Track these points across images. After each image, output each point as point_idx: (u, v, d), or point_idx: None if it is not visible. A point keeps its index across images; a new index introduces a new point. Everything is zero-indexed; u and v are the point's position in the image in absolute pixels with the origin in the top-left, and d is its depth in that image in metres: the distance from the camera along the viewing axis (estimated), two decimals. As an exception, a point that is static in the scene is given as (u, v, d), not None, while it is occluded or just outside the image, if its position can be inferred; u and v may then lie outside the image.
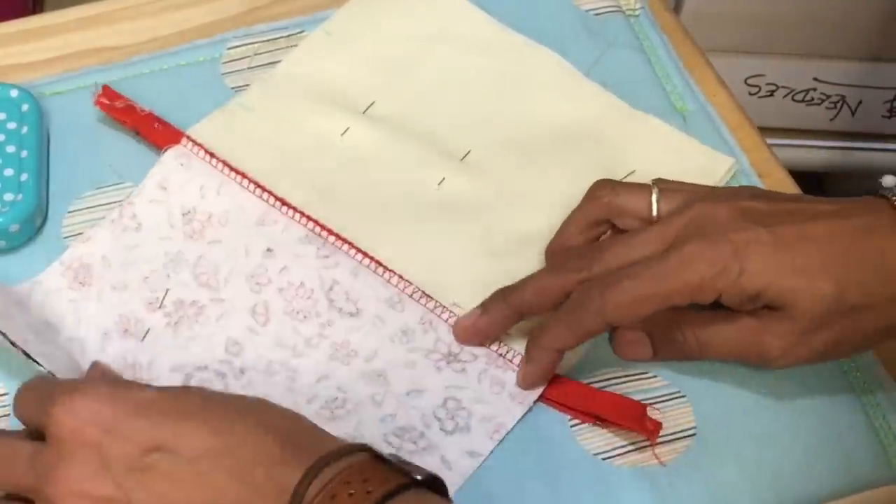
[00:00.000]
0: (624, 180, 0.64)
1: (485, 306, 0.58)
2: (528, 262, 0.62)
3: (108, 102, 0.66)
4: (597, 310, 0.54)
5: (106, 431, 0.47)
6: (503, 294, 0.58)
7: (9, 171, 0.63)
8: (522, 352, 0.58)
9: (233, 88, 0.69)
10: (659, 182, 0.58)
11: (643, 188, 0.58)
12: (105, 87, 0.67)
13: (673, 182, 0.59)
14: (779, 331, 0.54)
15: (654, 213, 0.57)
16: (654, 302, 0.53)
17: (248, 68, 0.70)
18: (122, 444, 0.47)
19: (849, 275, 0.53)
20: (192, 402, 0.49)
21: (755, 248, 0.53)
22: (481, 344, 0.59)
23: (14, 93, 0.66)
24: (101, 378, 0.56)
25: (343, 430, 0.56)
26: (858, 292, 0.53)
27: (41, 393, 0.50)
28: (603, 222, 0.59)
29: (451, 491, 0.53)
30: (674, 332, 0.56)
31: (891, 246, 0.53)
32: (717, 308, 0.55)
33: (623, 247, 0.55)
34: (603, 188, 0.59)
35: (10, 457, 0.49)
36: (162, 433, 0.47)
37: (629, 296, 0.53)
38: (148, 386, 0.51)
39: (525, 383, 0.58)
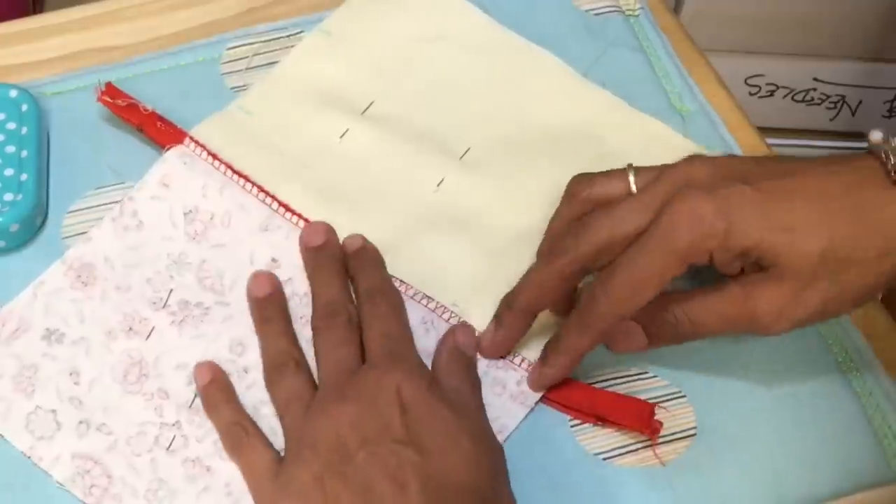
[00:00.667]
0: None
1: (497, 319, 0.58)
2: (529, 260, 0.62)
3: (110, 100, 0.66)
4: (604, 309, 0.54)
5: None
6: (507, 301, 0.58)
7: (9, 171, 0.63)
8: (522, 352, 0.58)
9: (232, 89, 0.69)
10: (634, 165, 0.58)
11: (619, 172, 0.58)
12: (108, 85, 0.66)
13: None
14: (769, 294, 0.53)
15: (634, 190, 0.57)
16: (654, 282, 0.53)
17: (248, 68, 0.70)
18: None
19: (837, 229, 0.52)
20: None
21: (740, 204, 0.52)
22: (506, 355, 0.59)
23: (14, 93, 0.66)
24: None
25: None
26: (847, 247, 0.52)
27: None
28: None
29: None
30: (664, 314, 0.56)
31: (879, 200, 0.52)
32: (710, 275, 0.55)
33: (607, 219, 0.55)
34: (579, 183, 0.59)
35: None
36: None
37: (628, 284, 0.53)
38: None
39: (538, 385, 0.58)
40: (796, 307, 0.53)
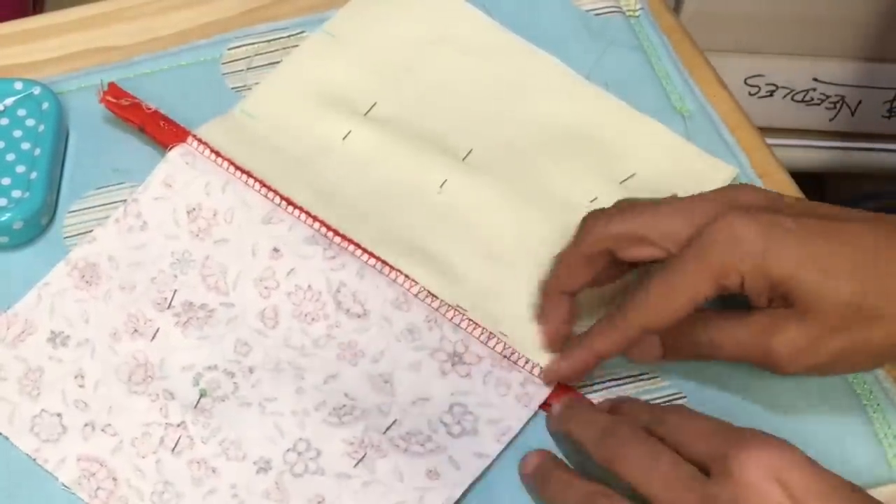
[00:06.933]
0: (623, 183, 0.65)
1: (538, 310, 0.59)
2: (531, 260, 0.62)
3: (113, 100, 0.66)
4: (632, 316, 0.53)
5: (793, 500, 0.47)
6: (540, 287, 0.59)
7: (20, 168, 0.63)
8: (527, 354, 0.58)
9: (233, 89, 0.69)
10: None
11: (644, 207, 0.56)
12: (111, 85, 0.66)
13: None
14: (790, 332, 0.52)
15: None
16: (685, 296, 0.52)
17: (249, 69, 0.70)
18: None
19: (870, 281, 0.51)
20: None
21: (781, 234, 0.51)
22: (559, 347, 0.58)
23: (36, 90, 0.66)
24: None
25: (352, 434, 0.56)
26: (878, 300, 0.51)
27: (721, 429, 0.50)
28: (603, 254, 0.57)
29: (459, 490, 0.54)
30: (687, 330, 0.55)
31: None
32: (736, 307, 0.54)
33: (646, 210, 0.55)
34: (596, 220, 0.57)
35: (673, 476, 0.49)
36: None
37: (660, 296, 0.52)
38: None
39: (549, 377, 0.57)
40: (814, 352, 0.52)
